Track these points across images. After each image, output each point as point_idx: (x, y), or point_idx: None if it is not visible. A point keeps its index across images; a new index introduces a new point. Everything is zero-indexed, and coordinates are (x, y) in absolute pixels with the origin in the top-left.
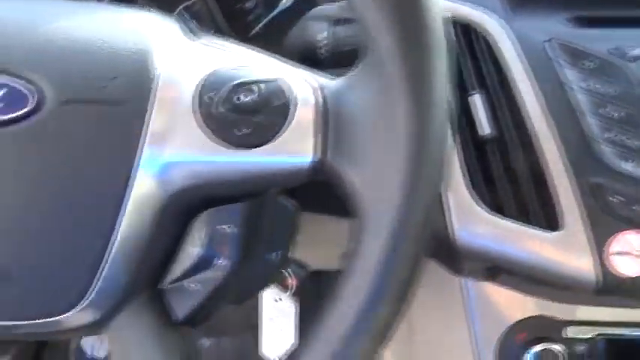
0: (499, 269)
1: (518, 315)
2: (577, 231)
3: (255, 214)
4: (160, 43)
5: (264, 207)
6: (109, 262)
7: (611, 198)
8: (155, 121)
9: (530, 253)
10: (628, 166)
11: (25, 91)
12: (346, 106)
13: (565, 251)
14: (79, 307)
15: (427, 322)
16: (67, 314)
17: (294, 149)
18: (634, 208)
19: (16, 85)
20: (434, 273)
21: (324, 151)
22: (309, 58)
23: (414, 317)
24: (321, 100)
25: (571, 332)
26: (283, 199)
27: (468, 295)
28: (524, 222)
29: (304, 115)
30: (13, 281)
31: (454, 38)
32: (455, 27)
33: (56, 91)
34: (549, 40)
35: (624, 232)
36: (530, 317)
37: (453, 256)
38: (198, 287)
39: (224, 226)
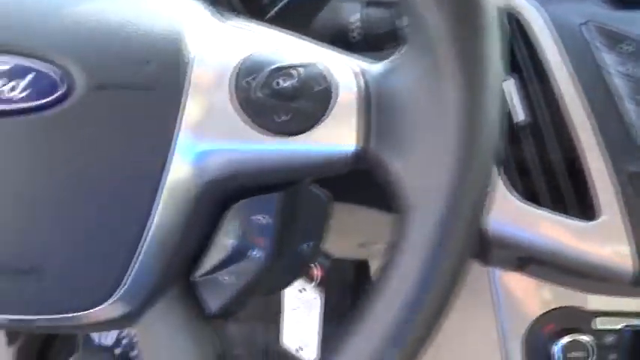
0: (529, 259)
1: (546, 306)
2: (614, 221)
3: (291, 204)
4: (192, 26)
5: (299, 197)
6: (142, 253)
7: None
8: (190, 106)
9: (564, 243)
10: None
11: (55, 76)
12: (390, 91)
13: (601, 241)
14: (110, 300)
15: (453, 312)
16: (97, 308)
17: (336, 137)
18: None
19: (45, 70)
20: None
21: (366, 139)
22: (340, 41)
23: None
24: (362, 84)
25: (600, 323)
26: (316, 188)
27: (494, 285)
28: (559, 211)
29: (346, 100)
30: (43, 274)
31: (507, 23)
32: None
33: (87, 76)
34: (585, 23)
35: None
36: (558, 308)
37: (483, 246)
38: (231, 279)
39: (259, 217)
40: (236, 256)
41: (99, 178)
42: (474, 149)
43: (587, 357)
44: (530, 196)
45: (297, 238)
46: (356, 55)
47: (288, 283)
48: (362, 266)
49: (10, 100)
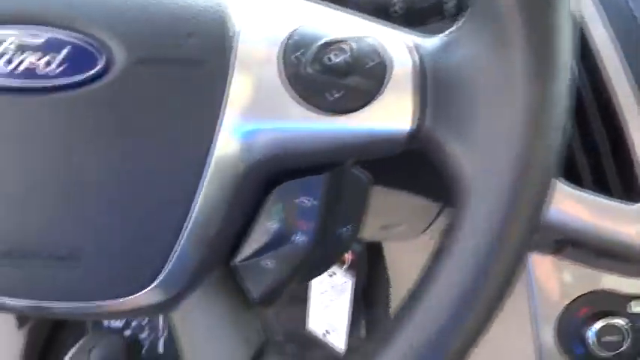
0: (567, 242)
1: (580, 290)
2: None
3: (336, 186)
4: None
5: (343, 179)
6: (185, 236)
7: None
8: (237, 83)
9: (607, 226)
10: None
11: (93, 50)
12: (448, 66)
13: None
14: (149, 287)
15: None
16: (135, 295)
17: (391, 115)
18: None
19: (82, 44)
20: None
21: (422, 118)
22: (380, 15)
23: None
24: (417, 60)
25: (635, 306)
26: (357, 170)
27: (528, 268)
28: (602, 194)
29: (401, 77)
30: (79, 261)
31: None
32: None
33: (127, 49)
34: None
35: None
36: (592, 292)
37: None
38: (273, 264)
39: (304, 199)
40: (278, 240)
41: (141, 158)
42: (541, 131)
43: (622, 340)
44: (574, 178)
45: (337, 222)
46: (407, 30)
47: (325, 269)
48: (372, 247)
49: (46, 76)
